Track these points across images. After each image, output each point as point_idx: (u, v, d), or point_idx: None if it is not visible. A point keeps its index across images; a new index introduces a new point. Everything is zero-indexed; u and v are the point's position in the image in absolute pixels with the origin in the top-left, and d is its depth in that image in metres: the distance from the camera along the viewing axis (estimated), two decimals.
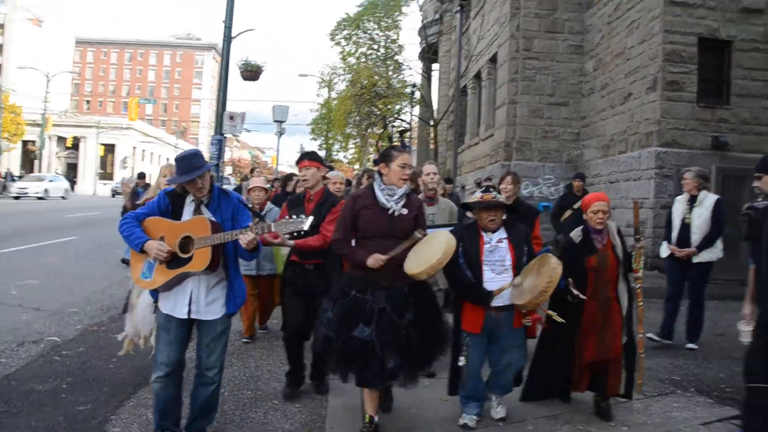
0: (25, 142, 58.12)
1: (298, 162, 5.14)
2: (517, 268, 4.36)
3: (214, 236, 3.69)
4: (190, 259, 3.74)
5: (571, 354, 4.67)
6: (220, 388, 4.09)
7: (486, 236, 4.43)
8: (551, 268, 4.13)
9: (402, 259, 4.09)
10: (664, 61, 13.13)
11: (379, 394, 4.35)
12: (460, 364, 4.40)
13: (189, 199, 3.95)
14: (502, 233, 4.46)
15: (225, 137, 13.20)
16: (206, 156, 14.55)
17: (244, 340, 6.53)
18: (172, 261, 3.78)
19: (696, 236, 6.47)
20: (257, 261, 6.05)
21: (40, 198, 36.03)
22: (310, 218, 3.80)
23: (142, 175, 13.40)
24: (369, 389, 4.18)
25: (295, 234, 3.85)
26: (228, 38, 12.82)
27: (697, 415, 4.71)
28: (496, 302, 4.32)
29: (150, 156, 74.83)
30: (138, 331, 5.11)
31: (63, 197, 39.41)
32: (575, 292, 4.46)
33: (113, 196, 47.20)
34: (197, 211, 3.91)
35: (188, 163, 3.83)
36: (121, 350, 5.22)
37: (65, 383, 4.87)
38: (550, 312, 4.38)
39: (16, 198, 35.39)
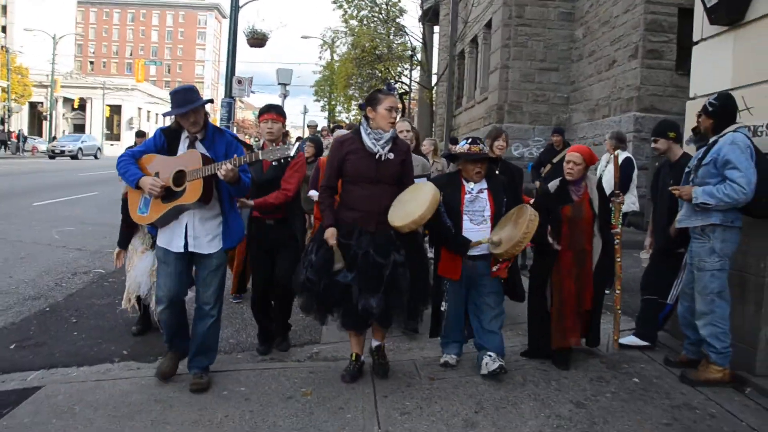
0: (32, 104, 58.86)
1: (263, 113, 4.97)
2: (496, 218, 4.39)
3: (204, 168, 3.76)
4: (183, 192, 3.83)
5: (545, 303, 4.75)
6: (219, 324, 4.20)
7: (467, 186, 4.45)
8: (528, 219, 4.13)
9: (389, 204, 4.11)
10: (645, 30, 13.96)
11: (373, 356, 4.41)
12: (443, 308, 4.50)
13: (184, 135, 4.03)
14: (483, 184, 4.47)
15: (234, 99, 14.25)
16: (216, 117, 15.60)
17: (232, 299, 6.34)
18: (167, 195, 3.87)
19: (606, 190, 7.26)
20: None
21: (73, 157, 39.08)
22: (296, 144, 4.04)
23: (141, 134, 12.53)
24: (354, 332, 4.29)
25: (282, 161, 3.95)
26: (236, 7, 13.78)
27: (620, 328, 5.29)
28: (473, 252, 4.36)
29: (155, 117, 75.32)
30: (134, 290, 5.13)
31: (95, 156, 42.72)
32: (551, 240, 4.56)
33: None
34: (191, 147, 3.99)
35: (182, 96, 3.90)
36: (123, 303, 5.27)
37: (116, 299, 5.95)
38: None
39: (51, 157, 38.22)
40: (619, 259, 4.94)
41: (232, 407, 3.76)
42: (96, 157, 41.80)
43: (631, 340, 5.06)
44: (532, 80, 18.32)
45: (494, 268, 4.37)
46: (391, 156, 4.14)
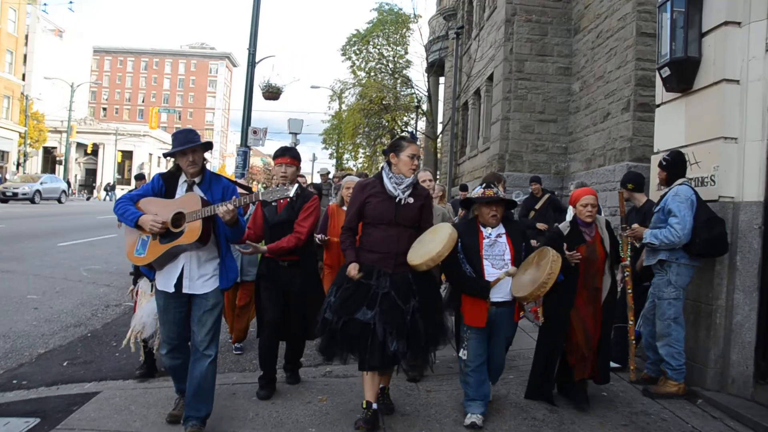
0: (45, 148, 60.33)
1: (277, 156, 5.01)
2: (516, 262, 4.41)
3: (204, 209, 3.82)
4: (181, 233, 3.88)
5: (559, 344, 4.80)
6: (215, 367, 4.11)
7: (485, 231, 4.49)
8: (551, 260, 4.20)
9: (408, 247, 4.23)
10: (636, 86, 14.83)
11: (380, 391, 4.43)
12: (462, 357, 4.46)
13: (182, 179, 4.11)
14: (500, 228, 4.52)
15: (249, 149, 15.17)
16: (232, 167, 16.37)
17: (235, 351, 6.32)
18: (165, 236, 3.92)
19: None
20: (241, 266, 5.89)
21: (31, 201, 33.32)
22: (295, 186, 4.04)
23: (140, 176, 12.15)
24: (370, 374, 4.21)
25: (281, 201, 4.07)
26: (252, 63, 14.81)
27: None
28: (496, 297, 4.38)
29: (165, 162, 76.83)
30: (139, 329, 5.18)
31: (59, 200, 36.48)
32: (568, 254, 4.62)
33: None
34: (189, 190, 4.05)
35: (184, 136, 4.02)
36: (124, 341, 5.29)
37: None
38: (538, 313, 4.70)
39: (3, 201, 32.56)
40: (630, 291, 5.06)
41: (261, 408, 4.52)
42: (60, 201, 35.99)
43: None
44: (532, 131, 19.21)
45: (523, 315, 4.56)
46: (411, 200, 4.28)
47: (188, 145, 3.93)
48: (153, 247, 3.94)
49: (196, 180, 4.06)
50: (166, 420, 4.17)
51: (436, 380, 5.11)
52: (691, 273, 5.04)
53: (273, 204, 4.68)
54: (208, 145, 4.11)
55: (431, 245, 4.11)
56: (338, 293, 4.21)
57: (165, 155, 4.24)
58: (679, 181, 5.04)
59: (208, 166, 4.23)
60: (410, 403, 4.70)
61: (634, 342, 5.14)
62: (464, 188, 15.55)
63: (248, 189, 5.26)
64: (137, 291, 5.38)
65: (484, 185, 4.58)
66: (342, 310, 4.12)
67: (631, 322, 5.11)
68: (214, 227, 3.99)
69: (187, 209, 3.86)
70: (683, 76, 5.40)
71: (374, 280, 4.16)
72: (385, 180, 4.27)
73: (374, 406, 4.25)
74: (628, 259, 5.00)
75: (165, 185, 4.09)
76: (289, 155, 4.95)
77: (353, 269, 4.16)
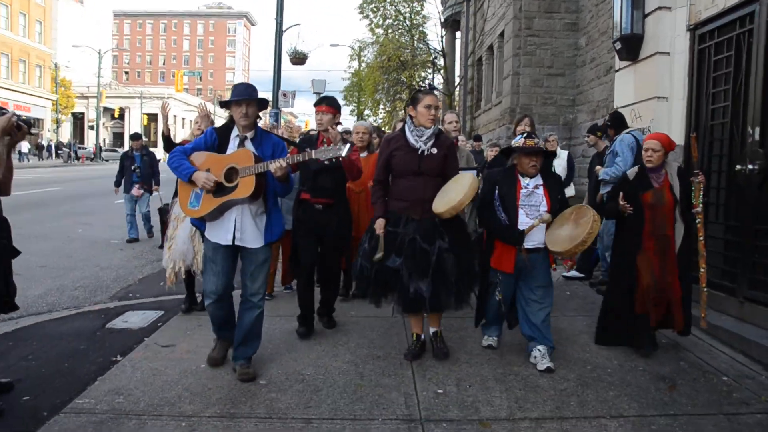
0: (74, 114, 62.18)
1: (317, 104, 5.16)
2: (552, 215, 4.43)
3: (257, 165, 3.88)
4: (234, 187, 3.93)
5: (629, 291, 4.83)
6: (263, 315, 4.30)
7: (523, 181, 4.51)
8: (592, 219, 4.21)
9: (434, 194, 4.34)
10: None
11: (433, 340, 4.67)
12: (497, 298, 4.57)
13: (234, 134, 4.18)
14: (538, 180, 4.53)
15: (280, 110, 16.76)
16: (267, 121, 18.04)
17: (285, 290, 6.66)
18: (218, 190, 3.97)
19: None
20: None
21: None
22: (348, 145, 3.99)
23: (136, 136, 11.27)
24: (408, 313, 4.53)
25: (334, 161, 3.97)
26: (280, 32, 16.29)
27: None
28: (529, 244, 4.43)
29: (189, 123, 78.45)
30: (176, 263, 5.54)
31: None
32: (622, 202, 4.71)
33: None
34: (241, 145, 4.11)
35: (244, 87, 4.14)
36: (168, 280, 5.73)
37: None
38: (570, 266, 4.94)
39: None
40: (701, 238, 4.84)
41: (305, 346, 4.92)
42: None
43: (574, 273, 7.39)
44: (541, 85, 20.42)
45: (556, 265, 4.70)
46: (435, 151, 4.39)
47: (245, 96, 4.04)
48: (206, 200, 4.03)
49: (249, 135, 4.14)
50: (207, 362, 4.37)
51: (484, 348, 4.94)
52: None
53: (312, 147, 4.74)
54: (264, 103, 4.25)
55: (453, 194, 4.21)
56: (370, 242, 4.41)
57: (221, 104, 4.31)
58: (625, 131, 6.55)
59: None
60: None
61: (705, 290, 4.90)
62: (478, 139, 16.97)
63: (296, 145, 5.29)
64: (170, 217, 5.75)
65: (525, 135, 4.58)
66: (372, 257, 4.33)
67: (702, 270, 4.86)
68: (265, 183, 4.07)
69: (239, 164, 3.93)
70: (631, 49, 6.89)
71: (401, 228, 4.32)
72: (408, 133, 4.40)
73: (422, 337, 4.63)
74: (701, 205, 4.77)
75: (218, 139, 4.18)
76: (325, 103, 5.14)
77: (379, 225, 4.37)
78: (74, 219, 12.64)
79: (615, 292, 4.99)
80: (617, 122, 6.62)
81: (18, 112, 3.83)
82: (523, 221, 4.41)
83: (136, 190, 10.52)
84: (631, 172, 4.95)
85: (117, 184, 10.96)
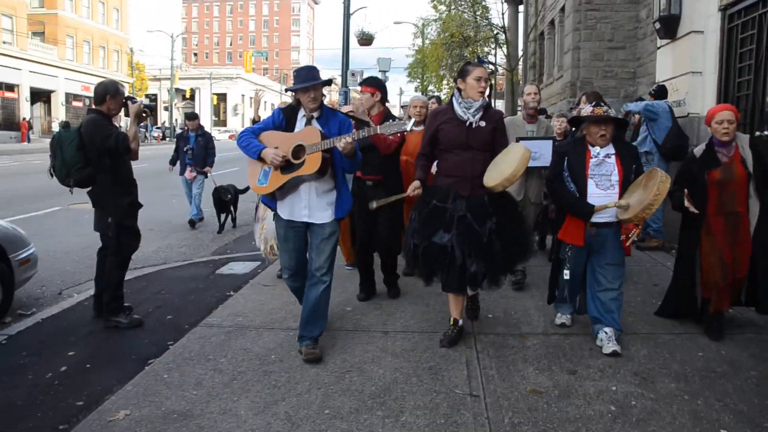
0: (147, 95, 64.97)
1: (360, 85, 5.45)
2: (624, 185, 4.26)
3: (323, 142, 3.93)
4: (302, 164, 3.99)
5: (694, 273, 4.67)
6: (329, 291, 4.30)
7: (593, 150, 4.36)
8: (659, 180, 4.01)
9: (483, 170, 4.21)
10: None
11: (466, 300, 4.61)
12: (566, 277, 4.47)
13: (301, 114, 4.22)
14: (610, 149, 4.36)
15: (349, 89, 17.83)
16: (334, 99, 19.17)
17: (347, 268, 6.60)
18: (286, 167, 4.03)
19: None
20: None
21: None
22: (412, 120, 4.15)
23: (192, 116, 10.63)
24: (453, 294, 4.42)
25: (398, 134, 4.11)
26: (347, 15, 17.29)
27: None
28: (598, 218, 4.27)
29: (263, 104, 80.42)
30: (268, 240, 5.98)
31: None
32: (687, 203, 4.44)
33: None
34: (308, 124, 4.15)
35: (307, 72, 4.16)
36: (262, 252, 6.23)
37: None
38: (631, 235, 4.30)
39: None
40: None
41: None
42: None
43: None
44: (601, 59, 20.69)
45: (626, 240, 4.32)
46: (483, 124, 4.25)
47: (311, 82, 4.06)
48: (274, 177, 4.11)
49: (315, 114, 4.17)
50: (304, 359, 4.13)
51: (558, 326, 4.84)
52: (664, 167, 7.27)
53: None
54: (328, 82, 4.24)
55: (504, 166, 4.09)
56: (419, 217, 4.34)
57: (287, 90, 4.33)
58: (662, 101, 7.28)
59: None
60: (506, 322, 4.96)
61: None
62: (542, 112, 17.55)
63: (363, 122, 5.20)
64: (258, 205, 6.26)
65: (594, 104, 4.47)
66: (422, 234, 4.25)
67: None
68: (332, 159, 4.13)
69: (306, 142, 3.99)
70: (670, 28, 7.55)
71: (450, 204, 4.21)
72: (456, 105, 4.28)
73: (460, 322, 4.50)
74: None
75: (285, 119, 4.23)
76: (365, 84, 5.45)
77: (414, 186, 4.25)
78: (166, 192, 13.95)
79: (679, 276, 4.88)
80: (660, 94, 7.36)
81: (142, 100, 4.97)
82: (593, 192, 4.28)
83: (188, 173, 10.13)
84: (699, 150, 4.69)
85: (172, 162, 10.65)
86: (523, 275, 5.78)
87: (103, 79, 5.25)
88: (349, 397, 3.57)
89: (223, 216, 9.79)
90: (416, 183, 4.26)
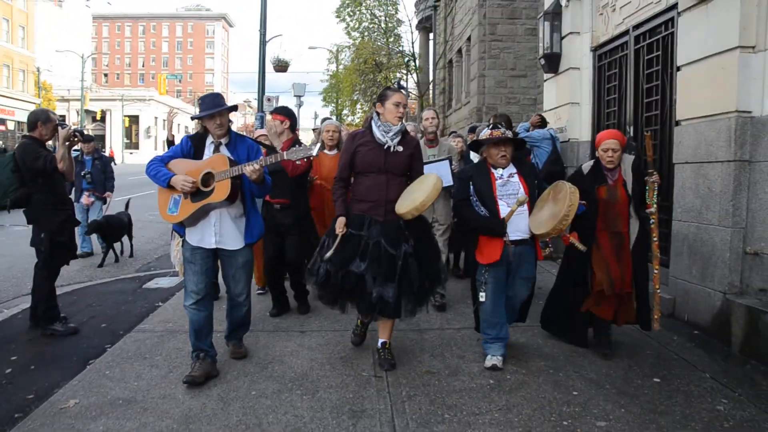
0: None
1: (272, 113, 5.68)
2: (531, 201, 4.40)
3: (231, 169, 3.97)
4: (211, 191, 4.01)
5: (585, 287, 4.74)
6: (250, 308, 4.62)
7: (496, 172, 4.44)
8: (568, 192, 4.16)
9: (397, 195, 4.26)
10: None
11: (378, 352, 4.55)
12: (481, 299, 4.44)
13: (209, 141, 4.24)
14: (512, 168, 4.46)
15: (264, 113, 18.34)
16: (234, 125, 19.44)
17: (258, 291, 6.59)
18: (196, 195, 4.05)
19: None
20: None
21: None
22: (318, 145, 4.10)
23: (87, 139, 9.22)
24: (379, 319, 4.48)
25: (306, 160, 4.10)
26: (263, 42, 17.88)
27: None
28: (514, 236, 4.35)
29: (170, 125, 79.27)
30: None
31: None
32: (577, 243, 4.36)
33: None
34: (216, 151, 4.19)
35: (212, 100, 4.20)
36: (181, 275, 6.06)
37: None
38: (573, 240, 4.35)
39: None
40: (655, 239, 4.64)
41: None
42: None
43: None
44: (505, 86, 22.06)
45: (544, 250, 4.58)
46: (401, 149, 4.30)
47: (217, 109, 4.11)
48: (185, 205, 4.09)
49: (223, 141, 4.22)
50: (183, 380, 4.08)
51: (488, 370, 4.52)
52: None
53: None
54: (234, 108, 4.28)
55: (417, 194, 4.15)
56: (333, 243, 4.25)
57: (193, 118, 4.38)
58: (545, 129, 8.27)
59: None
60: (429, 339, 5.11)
61: (659, 291, 4.67)
62: (472, 130, 18.45)
63: (270, 148, 5.57)
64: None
65: (491, 126, 4.51)
66: (338, 263, 4.23)
67: (656, 271, 4.65)
68: (241, 185, 4.18)
69: (215, 169, 4.02)
70: (552, 64, 8.63)
71: (365, 230, 4.24)
72: (374, 128, 4.30)
73: (366, 321, 4.84)
74: (654, 205, 4.56)
75: (193, 147, 4.25)
76: (276, 112, 5.69)
77: (339, 225, 4.25)
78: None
79: (562, 286, 5.03)
80: (541, 123, 8.38)
81: (71, 125, 5.43)
82: (504, 212, 4.33)
83: (86, 198, 9.40)
84: (586, 166, 4.85)
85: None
86: (442, 296, 5.96)
87: (35, 109, 5.66)
88: (273, 382, 4.19)
89: (117, 245, 9.22)
90: (342, 220, 4.27)
